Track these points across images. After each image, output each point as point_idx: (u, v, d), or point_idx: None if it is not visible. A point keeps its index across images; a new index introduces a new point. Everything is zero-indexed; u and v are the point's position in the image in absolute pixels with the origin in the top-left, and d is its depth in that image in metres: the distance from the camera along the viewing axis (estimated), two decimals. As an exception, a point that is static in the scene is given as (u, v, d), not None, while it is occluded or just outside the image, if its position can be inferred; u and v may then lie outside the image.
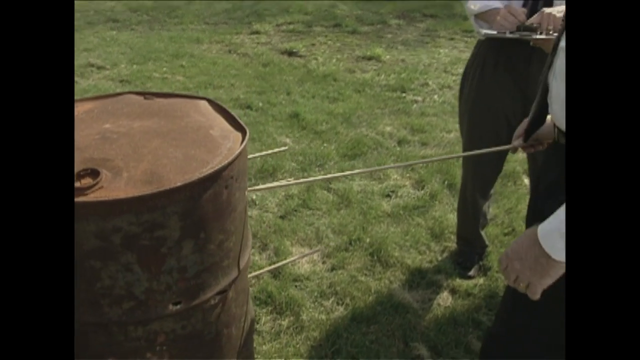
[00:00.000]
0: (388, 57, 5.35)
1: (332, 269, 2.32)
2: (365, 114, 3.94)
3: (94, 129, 1.26)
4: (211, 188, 1.14)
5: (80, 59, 5.12)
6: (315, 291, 2.17)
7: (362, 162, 3.24)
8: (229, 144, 1.25)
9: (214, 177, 1.13)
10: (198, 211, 1.13)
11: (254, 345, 1.84)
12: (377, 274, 2.27)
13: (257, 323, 2.00)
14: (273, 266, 1.55)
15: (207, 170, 1.13)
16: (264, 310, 2.06)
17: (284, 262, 1.72)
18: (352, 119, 3.84)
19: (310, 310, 2.07)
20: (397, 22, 6.80)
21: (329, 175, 1.46)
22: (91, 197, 1.04)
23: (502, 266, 1.05)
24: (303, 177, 3.05)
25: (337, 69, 4.93)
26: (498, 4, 1.72)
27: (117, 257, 1.09)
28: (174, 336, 1.24)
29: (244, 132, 1.31)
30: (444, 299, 2.13)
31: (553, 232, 0.94)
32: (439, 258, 2.40)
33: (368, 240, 2.48)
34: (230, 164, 1.17)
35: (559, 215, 0.93)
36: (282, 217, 2.68)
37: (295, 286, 2.20)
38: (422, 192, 2.93)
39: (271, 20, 6.80)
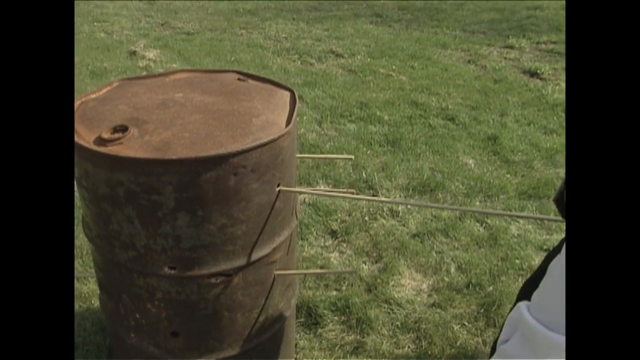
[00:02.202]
0: (651, 98, 4.46)
1: (433, 305, 2.12)
2: (576, 155, 3.40)
3: (164, 95, 1.40)
4: (213, 170, 1.16)
5: (325, 45, 5.58)
6: (398, 320, 2.02)
7: (537, 205, 2.82)
8: (260, 134, 1.25)
9: (217, 161, 1.16)
10: (195, 189, 1.17)
11: (298, 341, 1.82)
12: (475, 329, 2.00)
13: (322, 328, 1.97)
14: (300, 271, 1.49)
15: (211, 152, 1.16)
16: (336, 318, 2.01)
17: (313, 271, 1.65)
18: (557, 157, 3.35)
19: (380, 337, 1.94)
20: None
21: (370, 198, 1.34)
22: (107, 149, 1.17)
23: None
24: (463, 204, 2.82)
25: (576, 100, 4.32)
26: None
27: (121, 208, 1.21)
28: (170, 297, 1.33)
29: (287, 127, 1.29)
30: (535, 387, 1.76)
31: None
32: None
33: (489, 289, 2.19)
34: (240, 153, 1.17)
35: None
36: (414, 236, 2.54)
37: (382, 307, 2.08)
38: (592, 259, 2.42)
39: (533, 36, 6.29)
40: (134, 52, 4.97)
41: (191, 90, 1.44)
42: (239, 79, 1.56)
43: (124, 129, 1.22)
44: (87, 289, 2.07)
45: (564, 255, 0.60)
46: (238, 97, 1.41)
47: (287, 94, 1.51)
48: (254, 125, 1.28)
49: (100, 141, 1.19)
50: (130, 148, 1.17)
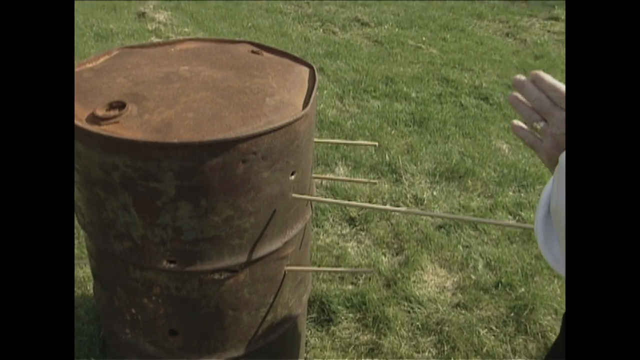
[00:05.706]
0: None
1: (457, 305, 2.05)
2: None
3: (168, 68, 1.32)
4: (219, 156, 1.09)
5: (350, 12, 5.43)
6: (418, 320, 1.96)
7: (577, 198, 2.71)
8: (274, 117, 1.17)
9: (224, 146, 1.09)
10: (199, 176, 1.10)
11: (309, 339, 1.77)
12: (504, 335, 1.93)
13: (335, 325, 1.91)
14: (313, 268, 1.43)
15: (218, 136, 1.08)
16: (351, 315, 1.95)
17: (326, 269, 1.58)
18: (601, 145, 3.22)
19: (398, 338, 1.88)
20: None
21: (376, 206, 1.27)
22: (101, 128, 1.10)
23: None
24: (495, 193, 2.72)
25: (624, 81, 4.16)
26: None
27: (116, 194, 1.15)
28: (168, 293, 1.27)
29: (304, 109, 1.21)
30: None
31: None
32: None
33: (521, 290, 2.11)
34: (251, 137, 1.10)
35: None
36: (439, 227, 2.46)
37: (402, 305, 2.02)
38: None
39: (579, 8, 6.05)
40: (143, 14, 4.89)
41: (199, 63, 1.36)
42: (252, 52, 1.48)
43: (121, 105, 1.15)
44: (83, 273, 2.04)
45: None
46: (251, 72, 1.33)
47: (305, 70, 1.42)
48: (267, 106, 1.20)
49: (94, 119, 1.13)
50: (127, 128, 1.10)
